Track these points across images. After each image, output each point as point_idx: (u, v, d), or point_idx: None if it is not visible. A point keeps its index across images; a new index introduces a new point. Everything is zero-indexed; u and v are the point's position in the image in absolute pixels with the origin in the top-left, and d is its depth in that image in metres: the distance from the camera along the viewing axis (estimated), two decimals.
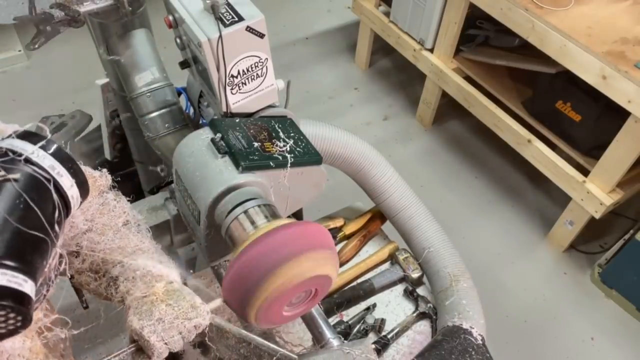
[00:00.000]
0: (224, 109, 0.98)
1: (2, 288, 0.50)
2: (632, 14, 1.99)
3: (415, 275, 1.40)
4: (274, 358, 0.75)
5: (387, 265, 1.46)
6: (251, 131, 0.94)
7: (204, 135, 0.93)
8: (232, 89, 0.96)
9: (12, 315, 0.53)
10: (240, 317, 0.81)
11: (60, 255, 0.64)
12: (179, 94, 1.32)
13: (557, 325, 2.07)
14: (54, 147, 0.59)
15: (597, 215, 2.03)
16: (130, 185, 1.74)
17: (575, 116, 2.10)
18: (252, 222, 0.80)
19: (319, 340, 0.94)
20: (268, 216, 0.82)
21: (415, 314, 1.34)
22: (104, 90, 1.42)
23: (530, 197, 2.49)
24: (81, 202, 0.64)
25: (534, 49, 2.04)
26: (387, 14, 2.72)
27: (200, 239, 0.93)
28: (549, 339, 2.03)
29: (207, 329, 0.76)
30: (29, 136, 0.59)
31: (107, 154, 1.58)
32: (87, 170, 0.86)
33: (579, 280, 2.21)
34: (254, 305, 0.73)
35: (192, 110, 1.29)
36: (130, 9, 1.10)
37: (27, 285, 0.53)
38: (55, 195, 0.58)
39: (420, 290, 1.40)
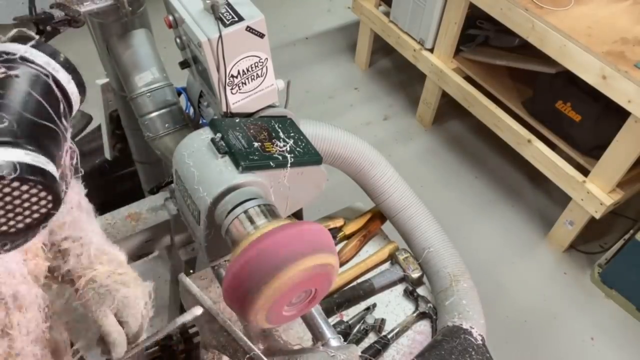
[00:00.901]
0: (224, 109, 0.98)
1: (29, 166, 0.53)
2: (632, 14, 1.99)
3: (415, 275, 1.39)
4: (247, 356, 0.75)
5: (387, 265, 1.46)
6: (251, 131, 0.94)
7: (204, 135, 0.93)
8: (232, 89, 0.96)
9: (42, 195, 0.55)
10: (240, 317, 0.81)
11: (72, 149, 0.66)
12: (179, 94, 1.32)
13: (557, 325, 2.07)
14: (46, 46, 0.62)
15: (597, 215, 2.03)
16: (130, 185, 1.74)
17: (575, 116, 2.10)
18: (252, 222, 0.80)
19: (318, 340, 0.94)
20: (268, 216, 0.82)
21: (415, 314, 1.34)
22: (104, 90, 1.42)
23: (530, 197, 2.49)
24: (81, 102, 0.66)
25: (534, 49, 2.04)
26: (387, 14, 2.72)
27: (200, 239, 0.93)
28: (549, 339, 2.03)
29: (182, 293, 0.79)
30: (20, 39, 0.62)
31: (107, 154, 1.58)
32: None
33: (579, 280, 2.21)
34: (254, 306, 0.73)
35: (192, 110, 1.29)
36: (130, 9, 1.10)
37: (50, 166, 0.56)
38: (56, 89, 0.61)
39: (420, 290, 1.40)
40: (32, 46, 0.61)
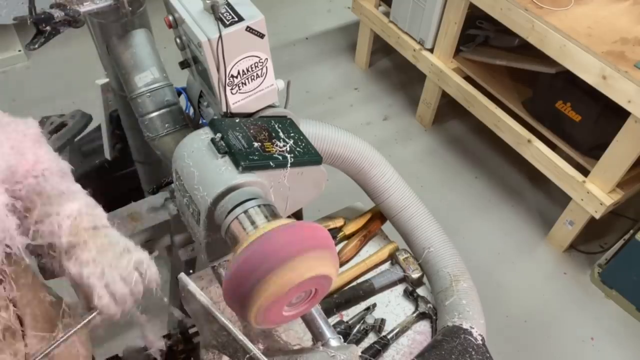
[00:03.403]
0: (224, 109, 0.98)
1: None
2: (632, 14, 1.99)
3: (415, 275, 1.39)
4: (247, 356, 0.75)
5: (387, 265, 1.46)
6: (251, 131, 0.94)
7: (204, 135, 0.93)
8: (232, 89, 0.96)
9: None
10: (241, 317, 0.81)
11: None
12: (179, 94, 1.32)
13: (557, 325, 2.07)
14: None
15: (597, 215, 2.03)
16: (130, 185, 1.74)
17: (575, 116, 2.10)
18: (252, 222, 0.81)
19: (318, 340, 0.94)
20: (268, 216, 0.82)
21: (415, 314, 1.34)
22: (104, 90, 1.42)
23: (530, 197, 2.49)
24: None
25: (534, 49, 2.04)
26: (387, 14, 2.72)
27: (200, 239, 0.93)
28: (549, 339, 2.03)
29: (182, 293, 0.75)
30: None
31: (107, 154, 1.59)
32: (12, 126, 0.79)
33: (579, 280, 2.21)
34: (253, 306, 0.73)
35: (192, 110, 1.29)
36: (130, 9, 1.10)
37: None
38: None
39: (420, 291, 1.40)
40: None
